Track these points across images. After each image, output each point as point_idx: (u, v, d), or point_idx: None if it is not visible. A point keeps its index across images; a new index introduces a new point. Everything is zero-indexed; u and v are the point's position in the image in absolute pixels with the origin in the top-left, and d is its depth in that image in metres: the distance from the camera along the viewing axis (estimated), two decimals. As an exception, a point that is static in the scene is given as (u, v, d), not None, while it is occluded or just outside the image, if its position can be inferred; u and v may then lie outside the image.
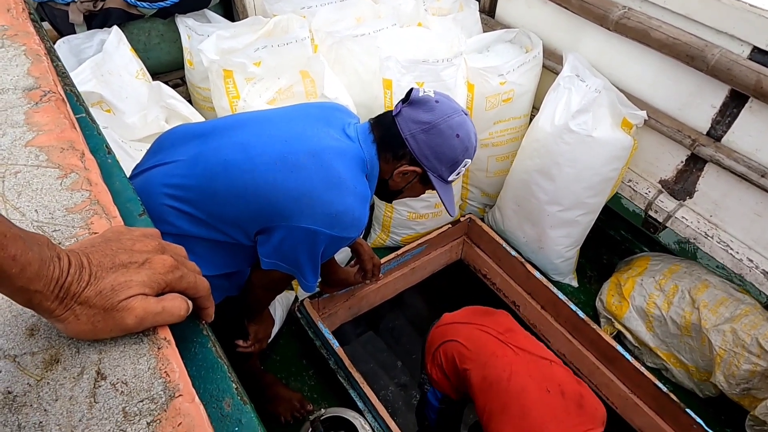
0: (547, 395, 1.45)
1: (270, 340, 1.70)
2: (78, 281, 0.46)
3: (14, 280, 0.43)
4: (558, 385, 1.48)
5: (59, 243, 0.57)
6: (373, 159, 1.27)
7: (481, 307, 1.79)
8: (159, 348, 0.50)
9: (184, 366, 0.49)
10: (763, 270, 1.80)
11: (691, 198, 1.97)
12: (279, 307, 2.03)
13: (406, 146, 1.25)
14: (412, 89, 1.27)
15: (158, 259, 0.53)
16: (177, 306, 0.52)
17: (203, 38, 2.08)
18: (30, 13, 0.99)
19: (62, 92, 0.80)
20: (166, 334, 0.51)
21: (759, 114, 1.66)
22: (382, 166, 1.29)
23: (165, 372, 0.47)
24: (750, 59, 1.61)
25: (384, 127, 1.28)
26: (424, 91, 1.26)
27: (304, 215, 1.15)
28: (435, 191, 1.32)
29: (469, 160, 1.30)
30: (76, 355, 0.48)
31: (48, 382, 0.46)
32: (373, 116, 1.35)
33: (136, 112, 1.92)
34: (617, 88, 1.95)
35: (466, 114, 1.28)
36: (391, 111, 1.29)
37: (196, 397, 0.46)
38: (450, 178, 1.30)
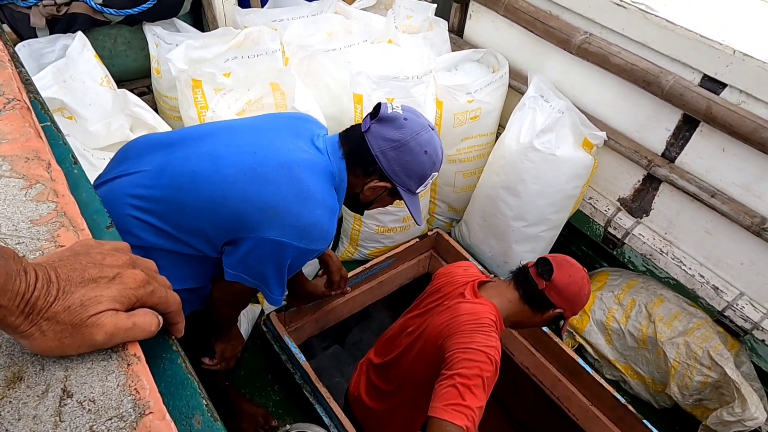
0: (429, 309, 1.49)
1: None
2: (45, 296, 0.45)
3: None
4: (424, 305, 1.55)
5: (23, 256, 0.55)
6: (342, 172, 1.28)
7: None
8: (128, 364, 0.49)
9: (154, 382, 0.48)
10: (713, 285, 1.89)
11: (647, 216, 2.06)
12: (244, 320, 2.00)
13: (376, 162, 1.26)
14: (380, 104, 1.29)
15: (129, 273, 0.52)
16: (148, 321, 0.51)
17: (172, 47, 2.06)
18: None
19: (27, 100, 0.78)
20: (136, 350, 0.50)
21: (709, 138, 1.76)
22: (352, 180, 1.30)
23: (135, 389, 0.47)
24: (701, 86, 1.70)
25: (353, 142, 1.29)
26: (393, 108, 1.28)
27: (273, 227, 1.14)
28: (403, 202, 1.35)
29: (437, 173, 1.34)
30: (40, 373, 0.47)
31: (10, 401, 0.44)
32: (342, 130, 1.36)
33: (100, 119, 1.87)
34: (579, 109, 2.03)
35: (432, 129, 1.31)
36: (360, 126, 1.30)
37: (167, 415, 0.46)
38: (418, 191, 1.33)
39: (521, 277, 1.41)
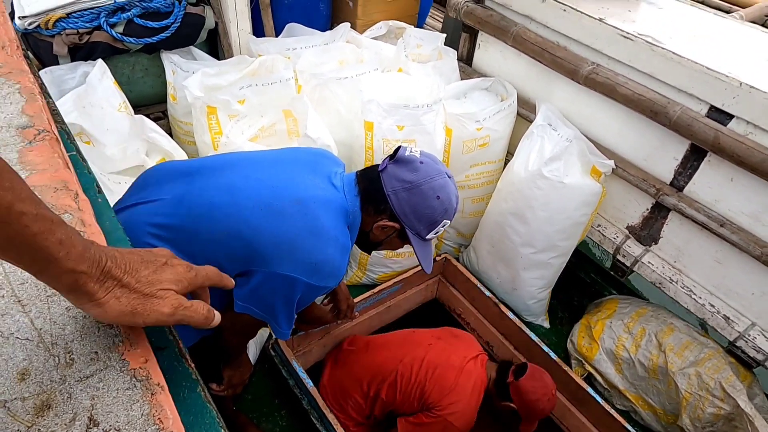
0: (431, 346, 1.84)
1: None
2: (116, 268, 0.50)
3: (61, 262, 0.45)
4: (431, 337, 1.91)
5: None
6: (356, 210, 1.29)
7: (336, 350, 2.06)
8: (152, 394, 0.50)
9: (177, 412, 0.49)
10: (724, 315, 1.88)
11: (656, 244, 2.06)
12: (253, 345, 2.00)
13: (387, 202, 1.27)
14: (399, 147, 1.31)
15: (176, 261, 0.59)
16: (202, 306, 0.58)
17: (188, 74, 2.11)
18: (23, 50, 1.01)
19: (56, 131, 0.81)
20: (160, 379, 0.52)
21: (717, 168, 1.77)
22: (364, 218, 1.31)
23: (158, 419, 0.48)
24: (708, 117, 1.72)
25: (369, 181, 1.31)
26: (411, 151, 1.29)
27: (285, 262, 1.15)
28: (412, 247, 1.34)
29: (449, 222, 1.32)
30: (68, 401, 0.48)
31: (39, 429, 0.46)
32: (356, 165, 1.38)
33: (117, 144, 1.91)
34: (587, 137, 2.05)
35: (450, 177, 1.32)
36: (378, 166, 1.32)
37: (189, 445, 0.47)
38: (428, 237, 1.33)
39: (504, 366, 1.79)
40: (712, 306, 1.91)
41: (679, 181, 1.90)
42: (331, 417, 1.69)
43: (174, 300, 0.54)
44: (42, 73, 2.00)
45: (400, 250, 2.27)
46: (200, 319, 0.58)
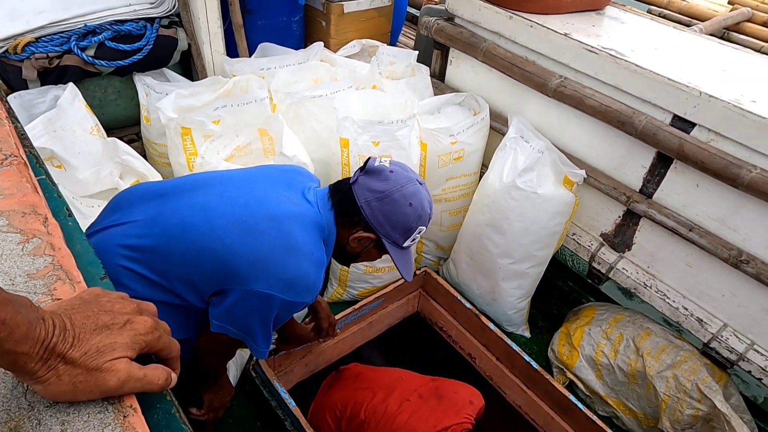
0: (408, 403, 1.64)
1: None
2: (62, 342, 0.48)
3: (2, 343, 0.43)
4: (413, 391, 1.70)
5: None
6: (330, 224, 1.30)
7: (329, 377, 1.97)
8: (125, 416, 0.50)
9: (150, 434, 0.49)
10: (697, 318, 1.93)
11: (629, 250, 2.10)
12: (233, 366, 1.97)
13: (361, 213, 1.29)
14: (369, 158, 1.33)
15: (139, 320, 0.55)
16: (157, 375, 0.54)
17: (161, 96, 2.11)
18: (-10, 75, 1.00)
19: (23, 155, 0.81)
20: (132, 401, 0.51)
21: (683, 174, 1.83)
22: (339, 231, 1.32)
23: (131, 441, 0.47)
24: (672, 125, 1.79)
25: (341, 194, 1.32)
26: (381, 161, 1.31)
27: (260, 279, 1.15)
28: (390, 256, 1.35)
29: (424, 228, 1.34)
30: (37, 427, 0.47)
31: (7, 457, 0.45)
32: (333, 182, 1.39)
33: (89, 167, 1.89)
34: (558, 148, 2.10)
35: (421, 183, 1.34)
36: (350, 178, 1.34)
37: (164, 467, 0.46)
38: (405, 245, 1.34)
39: None
40: (686, 309, 1.96)
41: (648, 188, 1.95)
42: (314, 437, 1.66)
43: (122, 373, 0.50)
44: (11, 97, 1.97)
45: (379, 265, 2.28)
46: (155, 389, 0.54)
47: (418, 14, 3.60)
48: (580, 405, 1.89)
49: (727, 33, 3.35)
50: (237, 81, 2.16)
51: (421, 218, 1.31)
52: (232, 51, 2.51)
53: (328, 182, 2.16)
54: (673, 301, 1.98)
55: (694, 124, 1.74)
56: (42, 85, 2.05)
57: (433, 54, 2.55)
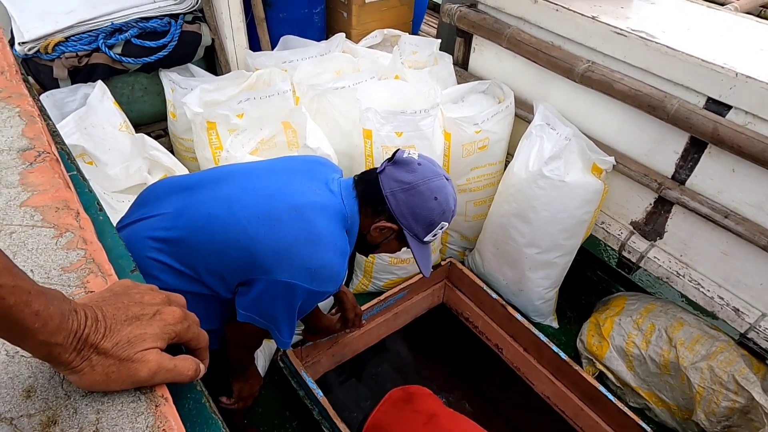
0: None
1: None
2: (95, 333, 0.49)
3: (36, 334, 0.45)
4: None
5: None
6: (354, 214, 1.30)
7: (401, 391, 1.68)
8: (157, 406, 0.50)
9: (182, 424, 0.49)
10: (733, 307, 1.87)
11: (661, 238, 2.05)
12: (261, 356, 2.01)
13: (385, 203, 1.28)
14: (398, 150, 1.32)
15: (168, 310, 0.56)
16: (187, 366, 0.54)
17: (187, 91, 2.14)
18: (22, 74, 1.02)
19: (56, 152, 0.83)
20: (164, 391, 0.52)
21: (718, 159, 1.76)
22: (362, 219, 1.32)
23: (163, 430, 0.48)
24: (706, 108, 1.72)
25: (367, 183, 1.32)
26: (409, 153, 1.31)
27: (284, 269, 1.16)
28: (410, 249, 1.35)
29: (446, 223, 1.33)
30: (73, 416, 0.49)
31: (45, 445, 0.46)
32: (358, 172, 1.39)
33: (119, 163, 1.93)
34: (586, 135, 2.05)
35: (447, 179, 1.33)
36: (376, 168, 1.33)
37: (195, 455, 0.47)
38: (426, 239, 1.33)
39: None
40: (721, 298, 1.90)
41: (680, 175, 1.89)
42: (342, 426, 1.68)
43: (153, 364, 0.51)
44: (43, 96, 2.03)
45: (404, 256, 2.28)
46: (185, 380, 0.55)
47: (440, 2, 3.55)
48: (610, 396, 1.86)
49: (764, 10, 3.20)
50: (260, 74, 2.17)
51: (444, 213, 1.30)
52: (254, 45, 2.53)
53: (353, 173, 2.18)
54: (708, 291, 1.92)
55: (729, 107, 1.67)
56: (72, 83, 2.10)
57: (456, 42, 2.51)
